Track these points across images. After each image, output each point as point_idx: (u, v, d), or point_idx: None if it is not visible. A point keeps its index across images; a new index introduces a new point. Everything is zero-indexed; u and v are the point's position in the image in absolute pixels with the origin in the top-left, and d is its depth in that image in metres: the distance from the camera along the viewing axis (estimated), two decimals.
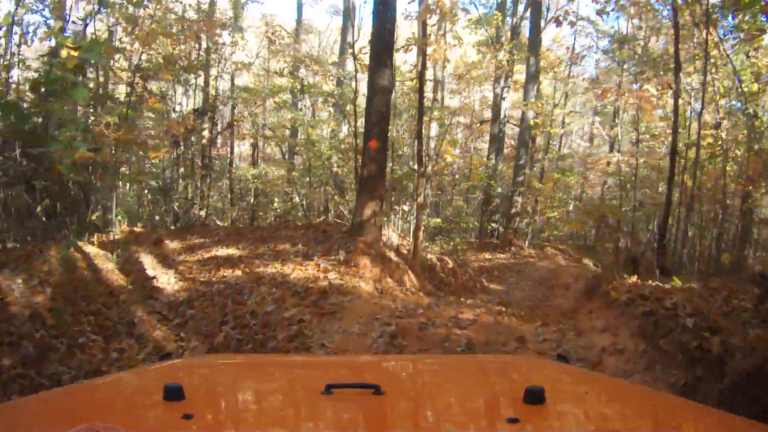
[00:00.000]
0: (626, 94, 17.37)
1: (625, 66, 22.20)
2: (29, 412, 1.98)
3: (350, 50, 14.47)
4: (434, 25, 12.96)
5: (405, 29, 19.36)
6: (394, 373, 2.88)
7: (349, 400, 1.99)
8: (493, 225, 21.79)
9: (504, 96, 23.17)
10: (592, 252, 22.42)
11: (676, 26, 12.61)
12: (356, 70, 15.34)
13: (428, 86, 20.16)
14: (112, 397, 2.24)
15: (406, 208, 16.15)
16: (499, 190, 22.28)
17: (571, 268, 17.99)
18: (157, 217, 19.04)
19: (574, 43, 26.16)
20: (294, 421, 1.95)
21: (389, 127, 12.51)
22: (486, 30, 23.90)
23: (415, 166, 13.61)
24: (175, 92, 20.71)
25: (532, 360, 4.37)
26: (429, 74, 19.55)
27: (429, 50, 12.74)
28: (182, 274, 11.07)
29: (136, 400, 2.21)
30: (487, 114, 26.79)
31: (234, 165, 23.21)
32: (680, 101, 17.34)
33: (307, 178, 18.85)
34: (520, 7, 24.69)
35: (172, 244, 13.45)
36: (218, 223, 19.33)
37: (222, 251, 12.50)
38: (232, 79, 22.05)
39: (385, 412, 1.98)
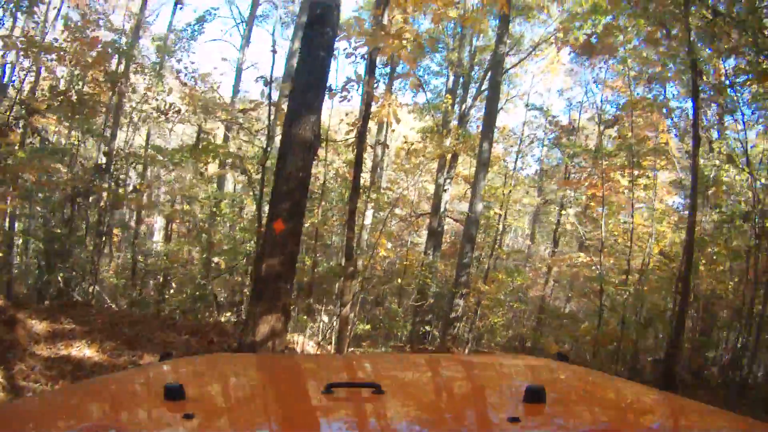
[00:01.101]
0: (606, 184, 13.50)
1: (576, 160, 19.39)
2: (29, 412, 1.85)
3: (265, 89, 9.70)
4: (385, 65, 8.64)
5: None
6: (395, 373, 2.65)
7: (349, 400, 1.90)
8: (426, 328, 17.49)
9: (446, 188, 19.64)
10: (533, 353, 18.34)
11: (695, 87, 8.95)
12: (269, 116, 10.34)
13: (366, 164, 16.20)
14: (112, 397, 2.05)
15: (326, 319, 11.75)
16: (435, 289, 18.34)
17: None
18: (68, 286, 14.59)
19: (522, 132, 22.93)
20: (295, 420, 1.80)
21: (312, 205, 8.23)
22: (432, 116, 21.09)
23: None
24: (80, 141, 16.31)
25: (532, 360, 3.53)
26: (370, 151, 15.67)
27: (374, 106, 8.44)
28: (10, 380, 7.94)
29: (136, 400, 2.01)
30: (425, 206, 22.93)
31: (141, 237, 18.86)
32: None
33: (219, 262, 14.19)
34: (469, 98, 21.49)
35: (38, 327, 10.41)
36: (109, 303, 15.04)
37: (81, 350, 9.64)
38: (147, 136, 17.63)
39: (386, 411, 1.86)
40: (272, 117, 9.88)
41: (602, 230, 14.17)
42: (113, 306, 14.83)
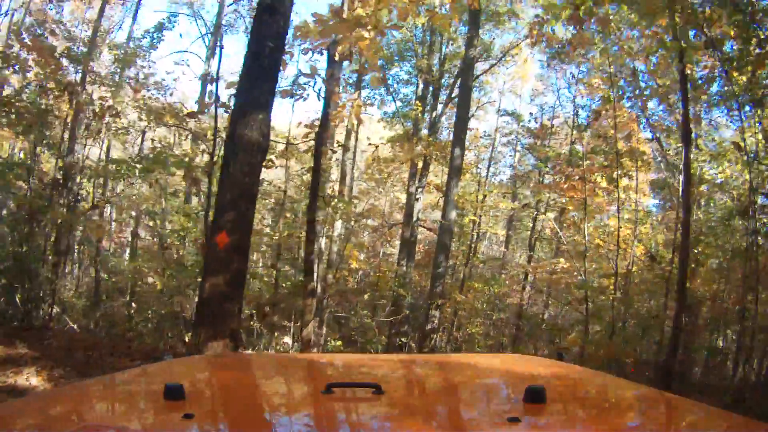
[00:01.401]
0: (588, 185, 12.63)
1: (549, 165, 18.73)
2: (29, 412, 1.80)
3: (210, 87, 8.57)
4: (343, 58, 7.61)
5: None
6: (395, 373, 2.61)
7: (349, 400, 1.86)
8: (402, 340, 16.51)
9: (418, 196, 18.66)
10: None
11: (683, 77, 8.34)
12: (216, 117, 9.13)
13: (333, 174, 15.24)
14: (112, 397, 2.02)
15: (288, 340, 10.79)
16: (410, 300, 17.30)
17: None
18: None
19: (494, 139, 22.14)
20: (295, 420, 1.79)
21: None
22: (403, 125, 20.38)
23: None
24: (35, 155, 15.19)
25: (533, 359, 3.68)
26: (337, 159, 14.74)
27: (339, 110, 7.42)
28: None
29: (136, 399, 1.99)
30: (398, 216, 22.02)
31: (105, 254, 17.68)
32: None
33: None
34: (439, 106, 20.75)
35: None
36: (71, 325, 13.93)
37: (29, 378, 8.75)
38: (108, 149, 16.49)
39: (386, 411, 1.81)
40: (218, 119, 8.74)
41: (585, 233, 13.21)
42: (76, 328, 13.86)
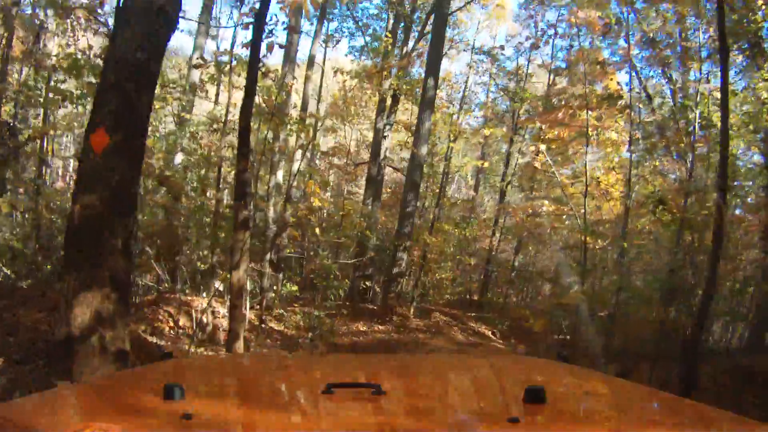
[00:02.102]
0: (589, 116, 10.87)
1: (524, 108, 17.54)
2: (29, 411, 1.74)
3: None
4: None
5: None
6: (394, 373, 2.54)
7: (349, 400, 1.79)
8: (367, 284, 14.88)
9: (386, 134, 16.82)
10: (481, 309, 16.21)
11: None
12: None
13: (293, 99, 13.35)
14: (112, 397, 1.96)
15: (219, 286, 9.11)
16: (376, 241, 15.63)
17: (478, 349, 12.16)
18: None
19: (467, 78, 20.30)
20: (294, 420, 1.74)
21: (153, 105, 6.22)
22: (372, 59, 18.54)
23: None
24: None
25: (533, 360, 3.65)
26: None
27: None
28: None
29: (136, 399, 1.91)
30: (365, 156, 20.22)
31: (43, 187, 15.64)
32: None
33: None
34: (411, 41, 18.71)
35: None
36: (5, 271, 11.84)
37: None
38: (49, 76, 14.28)
39: (385, 411, 1.75)
40: None
41: (585, 168, 11.42)
42: (10, 274, 11.81)
